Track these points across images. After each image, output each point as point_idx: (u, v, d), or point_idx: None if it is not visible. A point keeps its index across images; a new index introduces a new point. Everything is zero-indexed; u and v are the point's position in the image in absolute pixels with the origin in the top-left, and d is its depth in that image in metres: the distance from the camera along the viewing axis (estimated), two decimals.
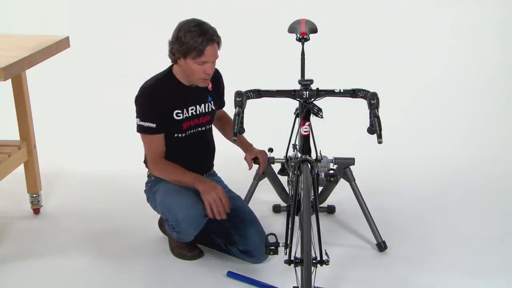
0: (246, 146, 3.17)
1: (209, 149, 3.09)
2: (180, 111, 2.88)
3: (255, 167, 3.18)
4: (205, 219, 2.84)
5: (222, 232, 2.97)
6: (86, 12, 5.21)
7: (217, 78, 3.03)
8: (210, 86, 2.98)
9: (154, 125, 2.82)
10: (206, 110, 2.97)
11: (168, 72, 2.90)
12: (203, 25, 2.74)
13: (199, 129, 2.97)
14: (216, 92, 3.02)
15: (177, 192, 2.86)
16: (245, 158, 3.13)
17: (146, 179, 3.09)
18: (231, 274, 2.85)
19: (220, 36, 2.77)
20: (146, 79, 2.92)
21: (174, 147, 2.92)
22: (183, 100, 2.88)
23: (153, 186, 3.00)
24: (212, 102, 2.99)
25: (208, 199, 2.78)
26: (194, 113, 2.92)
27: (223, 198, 2.80)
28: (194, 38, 2.69)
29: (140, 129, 2.86)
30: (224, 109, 3.19)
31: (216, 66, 2.89)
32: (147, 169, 3.06)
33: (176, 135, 2.90)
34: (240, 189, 3.20)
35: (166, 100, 2.84)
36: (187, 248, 3.01)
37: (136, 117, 2.86)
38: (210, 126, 3.04)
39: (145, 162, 3.06)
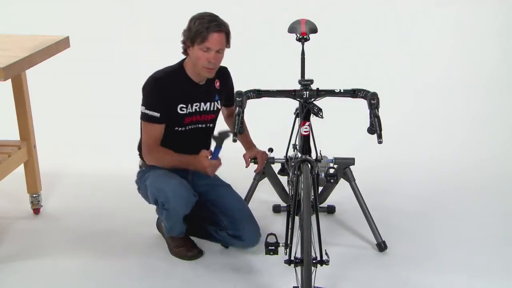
0: (248, 145, 3.20)
1: (204, 147, 3.07)
2: (184, 106, 2.90)
3: (253, 166, 3.18)
4: (194, 198, 2.86)
5: (212, 218, 3.01)
6: (86, 12, 5.21)
7: (225, 76, 3.05)
8: (218, 84, 3.00)
9: (158, 114, 2.85)
10: (211, 109, 2.98)
11: (179, 66, 2.93)
12: (215, 16, 2.82)
13: (200, 125, 2.98)
14: (224, 90, 3.04)
15: (167, 175, 2.89)
16: (244, 156, 3.15)
17: None
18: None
19: (229, 30, 2.83)
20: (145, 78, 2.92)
21: (171, 140, 2.94)
22: (189, 96, 2.91)
23: (143, 175, 3.01)
24: (218, 101, 3.01)
25: (208, 172, 2.87)
26: (198, 110, 2.94)
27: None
28: (202, 24, 2.76)
29: (144, 117, 2.88)
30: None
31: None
32: (139, 159, 3.07)
33: (176, 128, 2.93)
34: (240, 189, 3.20)
35: (172, 93, 2.86)
36: (186, 247, 3.02)
37: (142, 105, 2.88)
38: (212, 125, 3.04)
39: (139, 149, 3.07)
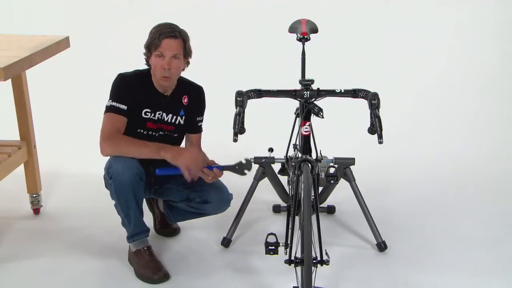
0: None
1: None
2: (149, 111, 2.89)
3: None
4: (139, 165, 2.76)
5: (182, 197, 3.00)
6: (86, 12, 5.21)
7: (195, 95, 3.01)
8: (185, 100, 2.97)
9: (125, 107, 2.82)
10: (172, 121, 2.96)
11: (148, 71, 2.93)
12: (172, 24, 2.83)
13: (161, 133, 2.97)
14: (191, 108, 2.99)
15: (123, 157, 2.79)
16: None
17: None
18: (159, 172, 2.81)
19: (188, 39, 2.82)
20: None
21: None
22: (154, 103, 2.90)
23: None
24: (183, 117, 2.98)
25: (184, 164, 2.71)
26: (160, 118, 2.93)
27: (200, 158, 2.77)
28: (156, 32, 2.80)
29: (110, 108, 2.81)
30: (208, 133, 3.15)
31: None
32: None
33: (138, 130, 2.91)
34: (240, 189, 3.20)
35: (139, 94, 2.86)
36: (151, 269, 2.86)
37: (109, 99, 2.84)
38: (175, 135, 3.00)
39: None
